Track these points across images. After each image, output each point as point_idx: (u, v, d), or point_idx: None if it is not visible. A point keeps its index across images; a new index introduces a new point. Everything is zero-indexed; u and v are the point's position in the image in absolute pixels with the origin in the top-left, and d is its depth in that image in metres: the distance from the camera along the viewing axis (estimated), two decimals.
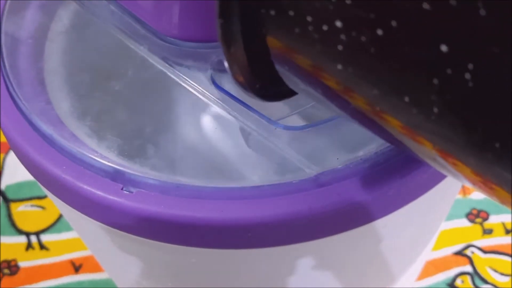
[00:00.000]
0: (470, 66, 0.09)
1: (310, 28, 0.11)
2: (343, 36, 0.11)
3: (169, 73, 0.20)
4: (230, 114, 0.19)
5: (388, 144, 0.18)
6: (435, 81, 0.09)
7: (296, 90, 0.14)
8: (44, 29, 0.23)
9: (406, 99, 0.10)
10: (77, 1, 0.23)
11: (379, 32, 0.10)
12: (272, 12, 0.12)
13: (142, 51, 0.21)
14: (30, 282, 0.37)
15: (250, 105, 0.19)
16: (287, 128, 0.18)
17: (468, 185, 0.12)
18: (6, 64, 0.21)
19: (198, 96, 0.20)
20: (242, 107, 0.19)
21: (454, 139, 0.10)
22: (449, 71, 0.09)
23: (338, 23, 0.10)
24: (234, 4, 0.12)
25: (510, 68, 0.08)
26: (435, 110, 0.10)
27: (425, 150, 0.11)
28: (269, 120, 0.19)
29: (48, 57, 0.22)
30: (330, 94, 0.13)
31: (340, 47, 0.11)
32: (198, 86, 0.20)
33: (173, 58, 0.20)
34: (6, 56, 0.21)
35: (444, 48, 0.09)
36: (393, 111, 0.11)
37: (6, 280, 0.37)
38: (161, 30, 0.20)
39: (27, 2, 0.24)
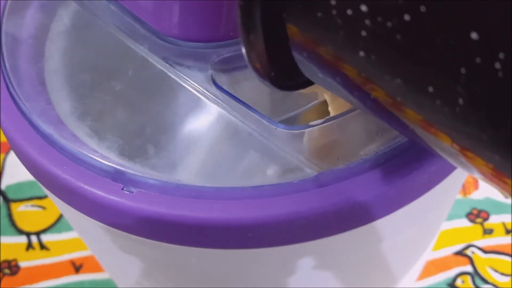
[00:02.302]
0: (501, 55, 0.08)
1: (334, 12, 0.11)
2: (367, 22, 0.10)
3: (169, 73, 0.20)
4: (230, 114, 0.19)
5: (388, 144, 0.18)
6: (463, 70, 0.09)
7: (313, 79, 0.14)
8: (45, 29, 0.23)
9: (430, 89, 0.10)
10: (77, 1, 0.23)
11: (407, 17, 0.09)
12: None
13: (142, 51, 0.21)
14: (31, 282, 0.37)
15: (250, 105, 0.19)
16: (287, 128, 0.18)
17: (476, 176, 0.11)
18: (7, 64, 0.21)
19: (198, 96, 0.20)
20: (242, 107, 0.19)
21: (478, 133, 0.10)
22: (478, 60, 0.09)
23: (364, 7, 0.10)
24: None
25: None
26: (460, 101, 0.09)
27: (441, 143, 0.11)
28: (269, 120, 0.19)
29: (48, 57, 0.22)
30: (350, 84, 0.12)
31: (364, 33, 0.10)
32: (198, 86, 0.20)
33: (173, 58, 0.20)
34: (6, 56, 0.21)
35: (474, 35, 0.09)
36: (415, 102, 0.11)
37: (6, 280, 0.37)
38: (161, 30, 0.20)
39: (27, 2, 0.24)
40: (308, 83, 0.15)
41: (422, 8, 0.09)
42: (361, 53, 0.11)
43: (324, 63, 0.12)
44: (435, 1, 0.09)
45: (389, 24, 0.10)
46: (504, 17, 0.08)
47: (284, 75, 0.14)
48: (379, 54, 0.11)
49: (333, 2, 0.11)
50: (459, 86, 0.09)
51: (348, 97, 0.13)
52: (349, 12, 0.10)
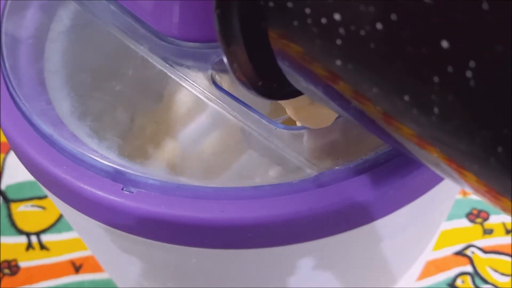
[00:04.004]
0: (472, 63, 0.08)
1: (309, 21, 0.11)
2: (341, 30, 0.10)
3: (169, 73, 0.20)
4: (230, 114, 0.19)
5: (388, 145, 0.18)
6: (436, 79, 0.09)
7: (298, 88, 0.14)
8: (45, 29, 0.23)
9: (406, 98, 0.10)
10: (77, 1, 0.23)
11: (379, 26, 0.10)
12: (271, 4, 0.12)
13: (142, 51, 0.21)
14: (31, 282, 0.37)
15: (250, 105, 0.19)
16: (287, 128, 0.18)
17: (471, 192, 0.11)
18: (7, 64, 0.21)
19: (198, 96, 0.20)
20: (242, 107, 0.19)
21: (455, 142, 0.10)
22: (450, 69, 0.09)
23: (337, 16, 0.10)
24: None
25: None
26: (436, 110, 0.09)
27: (426, 155, 0.11)
28: (269, 120, 0.19)
29: (48, 57, 0.22)
30: (331, 93, 0.12)
31: (339, 42, 0.10)
32: (198, 86, 0.20)
33: (173, 58, 0.20)
34: (6, 56, 0.21)
35: (445, 44, 0.09)
36: (393, 111, 0.11)
37: (6, 280, 0.37)
38: (161, 30, 0.20)
39: (27, 2, 0.24)
40: (297, 92, 0.14)
41: (393, 17, 0.09)
42: (338, 62, 0.11)
43: (304, 72, 0.12)
44: (406, 10, 0.09)
45: (362, 32, 0.10)
46: (474, 26, 0.08)
47: (272, 84, 0.14)
48: (355, 63, 0.11)
49: (307, 11, 0.11)
50: (433, 95, 0.09)
51: (332, 106, 0.13)
52: (323, 20, 0.11)
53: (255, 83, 0.13)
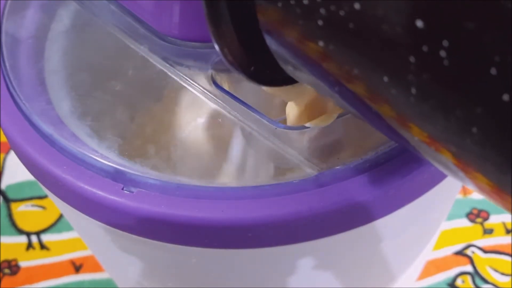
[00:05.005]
0: (445, 43, 0.09)
1: (292, 1, 0.11)
2: (322, 11, 0.10)
3: (169, 73, 0.20)
4: (230, 114, 0.19)
5: (388, 144, 0.18)
6: (412, 59, 0.09)
7: (288, 72, 0.14)
8: (45, 29, 0.23)
9: (385, 79, 0.10)
10: (77, 1, 0.23)
11: (357, 6, 0.10)
12: None
13: (142, 51, 0.21)
14: (31, 282, 0.37)
15: (250, 105, 0.19)
16: (287, 128, 0.18)
17: (470, 187, 0.11)
18: (7, 64, 0.21)
19: (198, 96, 0.20)
20: (242, 107, 0.19)
21: (433, 123, 0.10)
22: (425, 48, 0.09)
23: None
24: None
25: (484, 46, 0.08)
26: (413, 90, 0.10)
27: (408, 136, 0.11)
28: (269, 120, 0.19)
29: (48, 57, 0.22)
30: (317, 75, 0.12)
31: (320, 22, 0.11)
32: (199, 86, 0.20)
33: (174, 58, 0.20)
34: (6, 56, 0.21)
35: (419, 23, 0.09)
36: (374, 93, 0.11)
37: (6, 280, 0.37)
38: (161, 30, 0.20)
39: (27, 2, 0.24)
40: (291, 80, 0.14)
41: None
42: (320, 43, 0.11)
43: (292, 54, 0.12)
44: None
45: (341, 13, 0.10)
46: (447, 5, 0.08)
47: (265, 70, 0.14)
48: (336, 44, 0.11)
49: None
50: (410, 75, 0.09)
51: (320, 89, 0.13)
52: (305, 1, 0.11)
53: (247, 68, 0.13)
